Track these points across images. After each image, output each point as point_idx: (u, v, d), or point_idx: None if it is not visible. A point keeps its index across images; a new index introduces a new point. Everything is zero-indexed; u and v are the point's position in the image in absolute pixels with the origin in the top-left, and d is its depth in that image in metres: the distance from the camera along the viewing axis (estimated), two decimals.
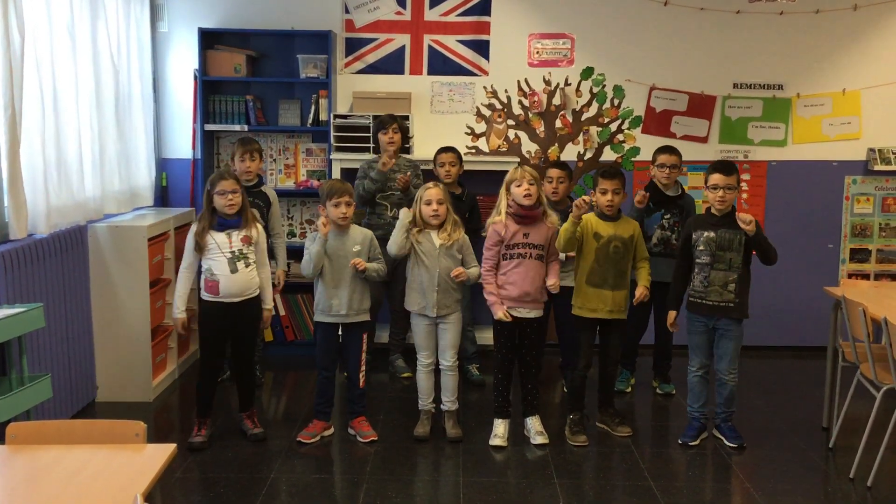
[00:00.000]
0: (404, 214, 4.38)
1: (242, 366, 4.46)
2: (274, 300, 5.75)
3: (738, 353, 4.38)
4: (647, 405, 5.11)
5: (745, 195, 6.05)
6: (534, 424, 4.44)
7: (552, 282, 4.33)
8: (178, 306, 4.30)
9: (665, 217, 4.98)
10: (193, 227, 4.28)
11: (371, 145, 5.55)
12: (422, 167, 5.42)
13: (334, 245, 4.33)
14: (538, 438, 4.39)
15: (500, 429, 4.41)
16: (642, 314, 5.11)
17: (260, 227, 4.42)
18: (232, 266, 4.22)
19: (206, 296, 4.26)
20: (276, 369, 5.61)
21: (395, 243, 4.37)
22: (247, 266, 4.27)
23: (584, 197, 4.24)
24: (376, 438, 4.40)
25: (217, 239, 4.21)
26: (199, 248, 4.20)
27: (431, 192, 4.35)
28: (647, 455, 4.31)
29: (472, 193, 5.34)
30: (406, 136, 5.43)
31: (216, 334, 4.32)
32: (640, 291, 4.43)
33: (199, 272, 4.31)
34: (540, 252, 4.32)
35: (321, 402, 4.45)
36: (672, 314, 4.47)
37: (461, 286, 4.48)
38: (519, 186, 4.26)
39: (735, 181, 4.28)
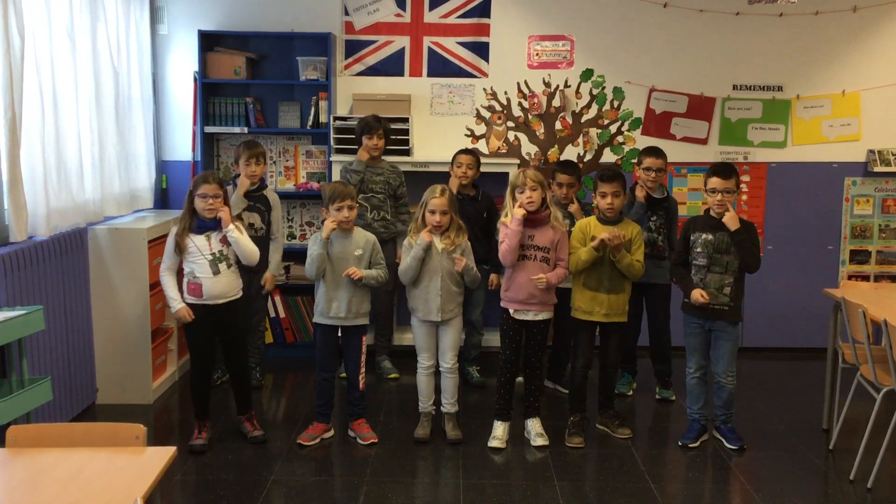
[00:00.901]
0: (421, 243, 4.29)
1: (236, 369, 4.45)
2: (274, 301, 5.81)
3: (735, 355, 4.39)
4: (647, 407, 5.11)
5: (744, 197, 6.05)
6: (534, 426, 4.44)
7: (540, 275, 4.25)
8: (175, 297, 4.23)
9: (651, 219, 4.96)
10: (173, 229, 4.26)
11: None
12: (434, 168, 5.43)
13: (336, 248, 4.32)
14: (538, 440, 4.39)
15: (499, 430, 4.41)
16: (633, 318, 5.11)
17: (241, 225, 4.37)
18: (214, 268, 4.21)
19: (189, 299, 4.23)
20: (276, 371, 5.60)
21: (407, 276, 4.36)
22: (228, 267, 4.26)
23: (607, 235, 4.24)
24: (376, 440, 4.40)
25: (196, 242, 4.20)
26: (180, 249, 4.18)
27: (436, 202, 4.32)
28: (647, 457, 4.31)
29: (488, 194, 5.30)
30: (389, 139, 5.41)
31: (203, 337, 4.30)
32: (614, 238, 4.26)
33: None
34: (545, 254, 4.31)
35: (321, 405, 4.45)
36: (695, 292, 4.27)
37: (463, 290, 4.48)
38: (521, 193, 4.25)
39: (734, 185, 4.27)
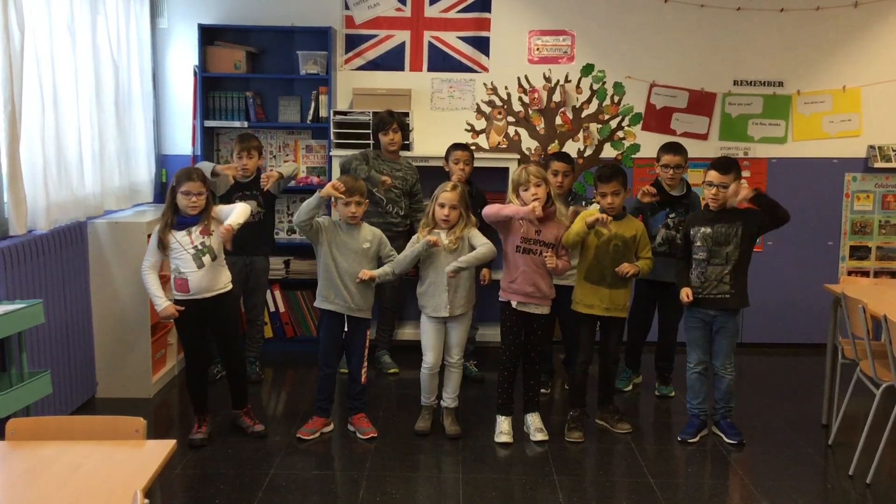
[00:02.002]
0: (423, 242, 4.28)
1: (231, 364, 4.44)
2: (274, 296, 5.80)
3: (734, 347, 4.40)
4: (647, 403, 5.11)
5: None
6: (534, 421, 4.44)
7: (552, 260, 4.24)
8: (159, 296, 4.19)
9: (670, 216, 4.89)
10: (156, 227, 4.23)
11: (370, 142, 5.53)
12: (434, 163, 5.42)
13: (344, 241, 4.32)
14: (538, 435, 4.39)
15: (504, 425, 4.41)
16: (646, 314, 5.10)
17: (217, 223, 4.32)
18: (198, 262, 4.17)
19: (177, 295, 4.20)
20: (276, 366, 5.61)
21: (399, 267, 4.37)
22: (213, 259, 4.22)
23: (604, 216, 4.25)
24: (376, 435, 4.41)
25: (178, 237, 4.16)
26: (163, 246, 4.15)
27: (447, 196, 4.31)
28: (646, 452, 4.32)
29: (481, 190, 5.26)
30: (406, 133, 5.43)
31: (194, 333, 4.27)
32: (628, 267, 4.32)
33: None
34: (550, 251, 4.30)
35: (322, 399, 4.45)
36: (685, 290, 4.34)
37: (473, 285, 4.47)
38: (526, 191, 4.22)
39: (731, 180, 4.25)
